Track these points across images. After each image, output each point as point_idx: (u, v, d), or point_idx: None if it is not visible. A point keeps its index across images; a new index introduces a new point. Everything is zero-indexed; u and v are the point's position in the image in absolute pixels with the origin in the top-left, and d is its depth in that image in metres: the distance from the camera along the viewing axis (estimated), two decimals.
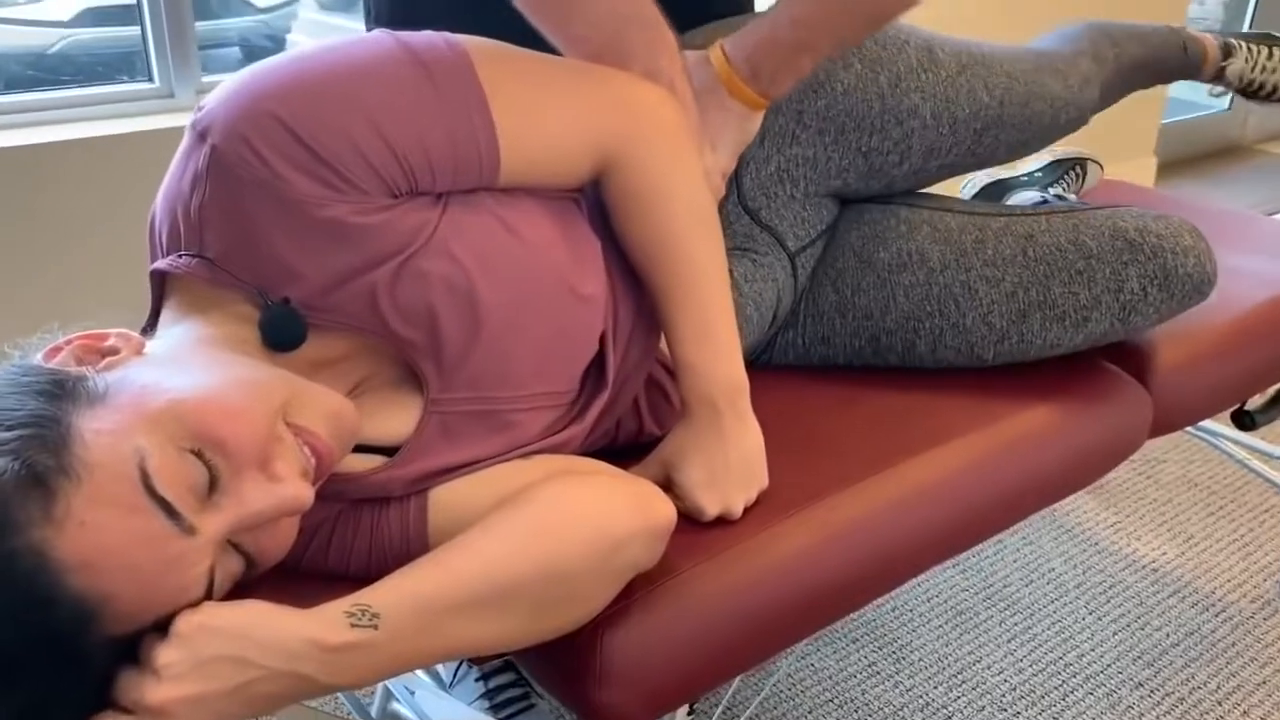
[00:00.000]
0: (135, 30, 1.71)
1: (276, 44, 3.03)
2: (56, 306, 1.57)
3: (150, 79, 1.72)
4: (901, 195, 1.10)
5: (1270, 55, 1.42)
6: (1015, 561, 1.63)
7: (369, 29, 1.10)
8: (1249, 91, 1.45)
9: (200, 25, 1.74)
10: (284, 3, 3.14)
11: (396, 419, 0.75)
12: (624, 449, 0.90)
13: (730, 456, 0.81)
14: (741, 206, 1.03)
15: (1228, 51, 1.41)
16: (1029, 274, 0.99)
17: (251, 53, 2.93)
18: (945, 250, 1.02)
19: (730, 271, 0.99)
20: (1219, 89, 1.47)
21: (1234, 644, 1.47)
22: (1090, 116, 1.19)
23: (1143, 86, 1.35)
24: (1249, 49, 1.42)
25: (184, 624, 0.59)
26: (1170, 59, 1.35)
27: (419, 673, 1.18)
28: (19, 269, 1.57)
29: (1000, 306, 1.00)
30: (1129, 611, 1.53)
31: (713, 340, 0.81)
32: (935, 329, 1.02)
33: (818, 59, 0.91)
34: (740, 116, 0.91)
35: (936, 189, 1.14)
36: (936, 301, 1.02)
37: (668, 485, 0.82)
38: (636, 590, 0.75)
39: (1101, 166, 1.58)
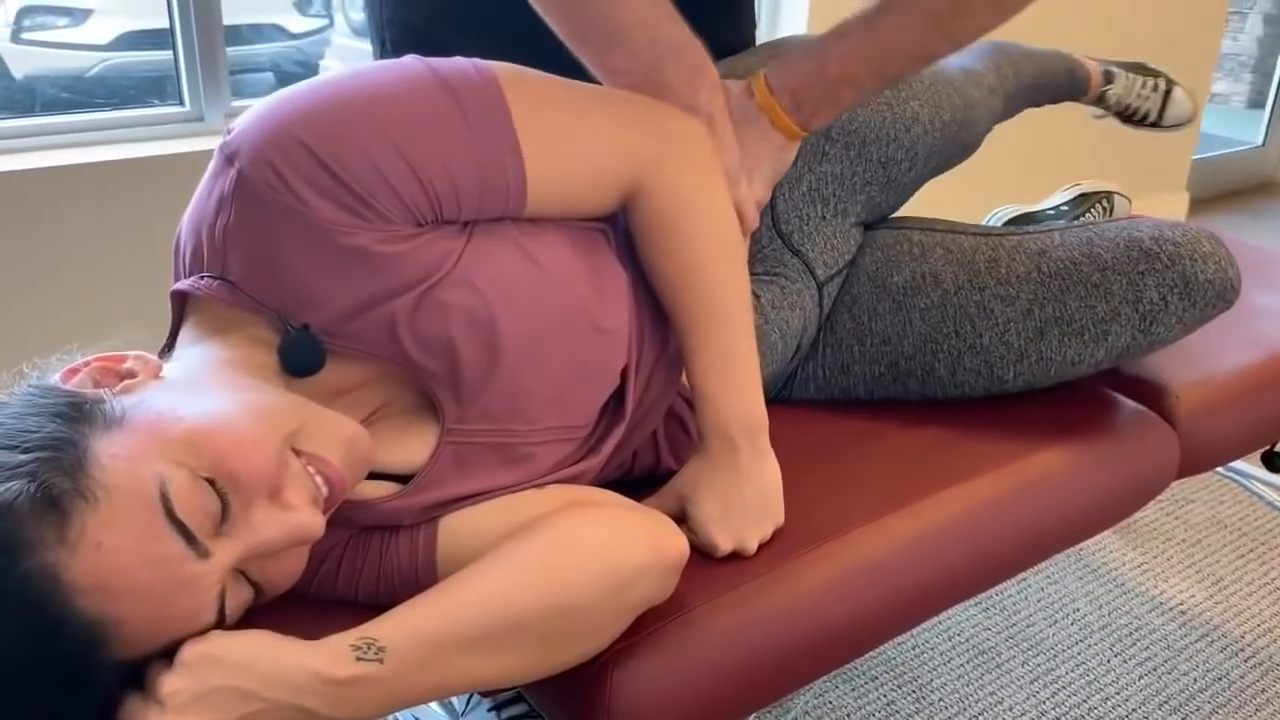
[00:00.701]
0: (170, 55, 1.74)
1: (309, 69, 3.07)
2: (86, 325, 1.59)
3: (181, 103, 1.75)
4: (913, 220, 1.11)
5: (1144, 84, 1.55)
6: (1039, 601, 1.60)
7: (378, 58, 1.10)
8: (1125, 115, 1.58)
9: (233, 50, 1.76)
10: (317, 29, 3.19)
11: (411, 447, 0.75)
12: (639, 480, 0.89)
13: (745, 492, 0.80)
14: (775, 230, 1.03)
15: (1109, 78, 1.54)
16: (1044, 290, 0.98)
17: (284, 78, 2.97)
18: (959, 271, 1.02)
19: (758, 297, 0.99)
20: (1099, 112, 1.59)
21: (1264, 690, 1.44)
22: (993, 124, 1.28)
23: (1035, 105, 1.44)
24: (1127, 76, 1.55)
25: (189, 652, 0.59)
26: (1060, 81, 1.46)
27: (431, 703, 1.17)
28: (50, 287, 1.59)
29: (1017, 324, 0.99)
30: (1156, 655, 1.50)
31: (733, 373, 0.80)
32: (953, 350, 1.01)
33: (860, 95, 0.91)
34: (779, 147, 0.91)
35: (947, 214, 1.15)
36: (953, 322, 1.01)
37: (682, 518, 0.81)
38: (647, 625, 0.74)
39: (1129, 200, 1.57)
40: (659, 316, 0.83)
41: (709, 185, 0.81)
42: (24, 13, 2.70)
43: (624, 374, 0.80)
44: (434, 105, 0.69)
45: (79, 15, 2.80)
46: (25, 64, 2.68)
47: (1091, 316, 0.97)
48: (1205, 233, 0.98)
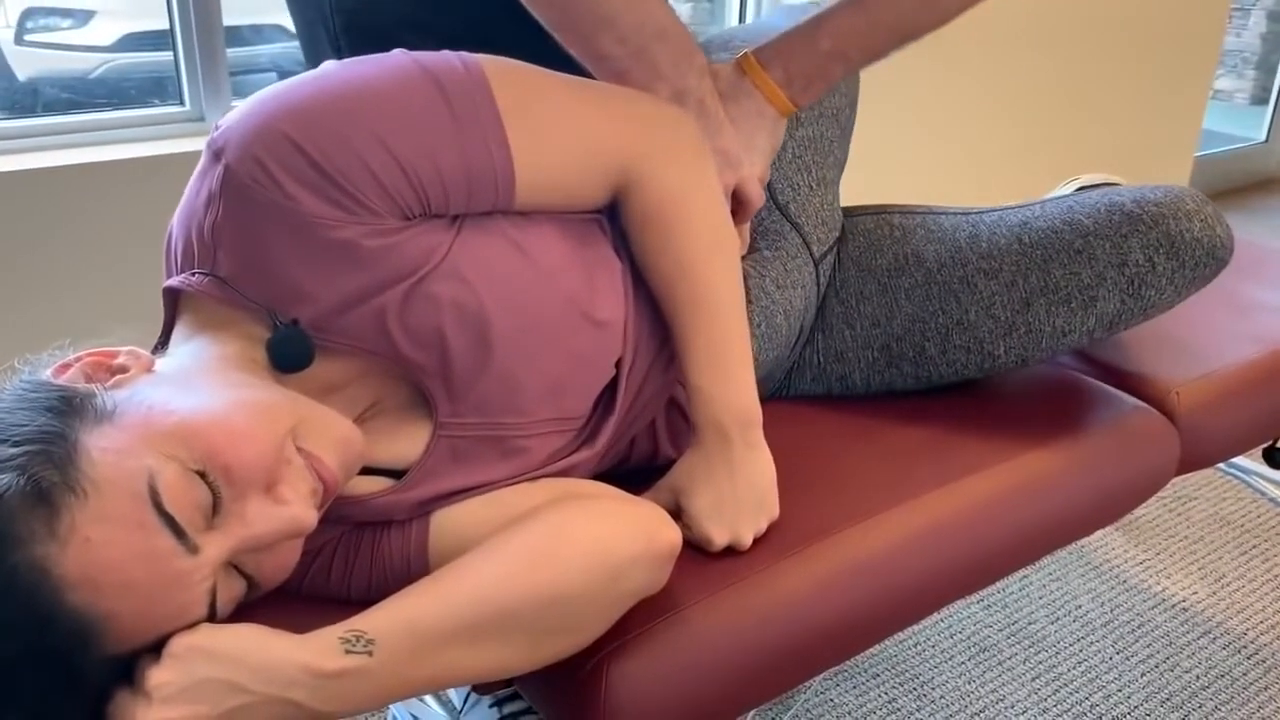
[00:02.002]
0: (171, 55, 1.74)
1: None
2: (85, 322, 1.59)
3: (182, 103, 1.75)
4: (894, 206, 1.11)
5: None
6: (1041, 598, 1.59)
7: (312, 64, 1.09)
8: None
9: (234, 51, 1.76)
10: None
11: (404, 442, 0.75)
12: (637, 471, 0.89)
13: (739, 486, 0.80)
14: (773, 201, 1.03)
15: None
16: (1026, 260, 0.97)
17: (286, 78, 2.97)
18: (940, 249, 1.02)
19: (763, 277, 1.00)
20: None
21: (1266, 687, 1.43)
22: None
23: None
24: None
25: (177, 645, 0.59)
26: None
27: (429, 700, 1.17)
28: (52, 286, 1.59)
29: (1001, 297, 0.98)
30: (1158, 652, 1.49)
31: (725, 366, 0.80)
32: (941, 328, 1.01)
33: (847, 71, 0.92)
34: (773, 120, 0.91)
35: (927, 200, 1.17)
36: (938, 300, 1.01)
37: (677, 513, 0.81)
38: (643, 623, 0.74)
39: None
40: (659, 307, 0.83)
41: (699, 178, 0.80)
42: (27, 15, 2.70)
43: (618, 365, 0.80)
44: (420, 99, 0.69)
45: (81, 17, 2.81)
46: (29, 65, 2.69)
47: (1077, 284, 0.96)
48: (1189, 191, 0.97)
